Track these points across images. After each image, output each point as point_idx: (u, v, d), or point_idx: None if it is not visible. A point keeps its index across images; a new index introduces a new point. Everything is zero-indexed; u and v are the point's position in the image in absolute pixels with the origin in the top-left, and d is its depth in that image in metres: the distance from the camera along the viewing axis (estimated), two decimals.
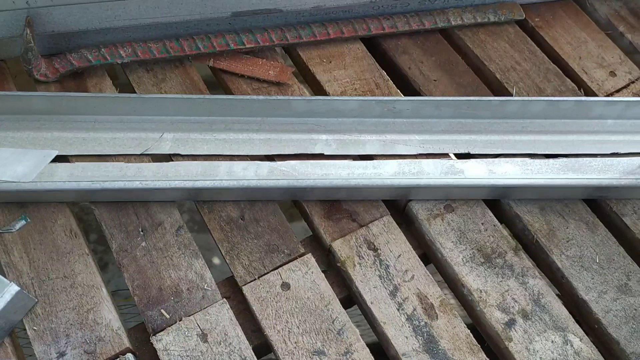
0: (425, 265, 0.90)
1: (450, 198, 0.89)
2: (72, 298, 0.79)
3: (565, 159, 0.91)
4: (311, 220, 0.87)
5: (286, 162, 0.90)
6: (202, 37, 0.96)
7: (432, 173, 0.90)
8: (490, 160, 0.91)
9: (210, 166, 0.88)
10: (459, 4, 1.04)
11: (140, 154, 0.89)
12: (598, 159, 0.91)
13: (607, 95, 1.00)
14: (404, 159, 0.91)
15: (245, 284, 0.81)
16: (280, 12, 0.96)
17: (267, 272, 0.82)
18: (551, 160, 0.91)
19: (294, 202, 0.91)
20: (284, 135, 0.92)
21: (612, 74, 1.02)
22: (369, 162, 0.90)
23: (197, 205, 0.87)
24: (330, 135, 0.92)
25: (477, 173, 0.89)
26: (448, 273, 0.85)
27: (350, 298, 0.85)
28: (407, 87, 1.02)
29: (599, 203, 0.91)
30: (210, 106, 0.91)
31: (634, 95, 1.00)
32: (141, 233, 0.84)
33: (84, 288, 0.79)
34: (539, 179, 0.88)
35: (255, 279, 0.81)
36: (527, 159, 0.91)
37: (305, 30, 0.99)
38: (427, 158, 0.91)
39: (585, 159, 0.91)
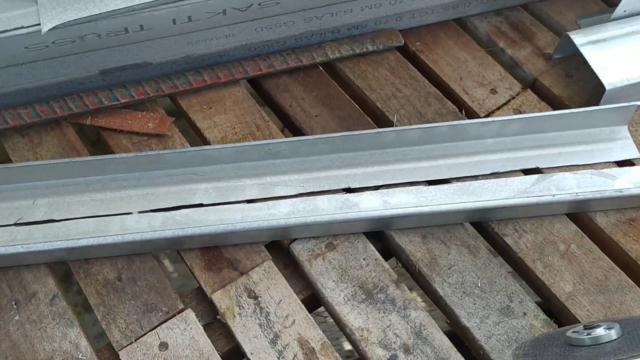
0: (316, 308, 0.89)
1: (343, 233, 0.88)
2: None
3: (458, 183, 0.91)
4: (192, 272, 0.86)
5: (179, 210, 0.89)
6: (74, 97, 0.95)
7: (326, 209, 0.89)
8: (384, 190, 0.91)
9: (103, 222, 0.88)
10: (336, 37, 1.05)
11: (14, 224, 0.87)
12: (491, 180, 0.91)
13: (488, 114, 1.00)
14: (299, 197, 0.91)
15: (121, 349, 0.80)
16: (150, 65, 0.96)
17: (145, 334, 0.81)
18: (445, 186, 0.91)
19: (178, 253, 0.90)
20: (162, 189, 0.91)
21: (493, 91, 1.02)
22: (262, 203, 0.90)
23: (73, 270, 0.85)
24: (209, 183, 0.92)
25: (371, 205, 0.89)
26: (332, 313, 0.84)
27: (237, 350, 0.84)
28: (290, 125, 1.01)
29: (482, 225, 0.91)
30: (84, 168, 0.90)
31: (515, 110, 1.01)
32: (14, 306, 0.82)
33: None
34: (435, 205, 0.87)
35: (132, 342, 0.80)
36: (421, 187, 0.91)
37: (180, 80, 0.99)
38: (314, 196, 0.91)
39: (478, 181, 0.91)
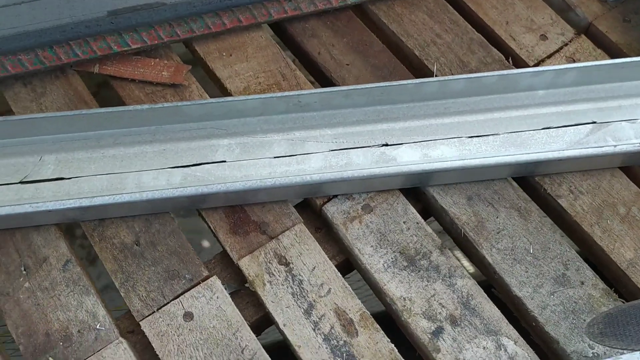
0: (347, 274, 0.82)
1: (379, 190, 0.80)
2: None
3: (505, 135, 0.83)
4: (217, 236, 0.79)
5: (200, 166, 0.81)
6: (80, 43, 0.85)
7: (361, 163, 0.81)
8: (424, 143, 0.83)
9: (117, 178, 0.80)
10: None
11: (19, 182, 0.79)
12: (541, 131, 0.83)
13: (538, 62, 0.91)
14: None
15: (143, 319, 0.73)
16: (164, 5, 0.86)
17: (167, 303, 0.74)
18: (490, 137, 0.83)
19: (200, 216, 0.82)
20: (181, 144, 0.83)
21: (543, 37, 0.93)
22: (291, 157, 0.82)
23: (87, 233, 0.78)
24: (232, 138, 0.83)
25: (411, 158, 0.81)
26: (370, 281, 0.77)
27: (266, 319, 0.77)
28: (318, 75, 0.92)
29: (532, 186, 0.83)
30: (94, 120, 0.81)
31: (568, 59, 0.91)
32: (24, 272, 0.75)
33: None
34: (480, 158, 0.79)
35: (154, 312, 0.73)
36: (464, 138, 0.82)
37: (197, 23, 0.89)
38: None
39: (527, 132, 0.83)
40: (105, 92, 0.91)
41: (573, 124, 0.84)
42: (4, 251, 0.76)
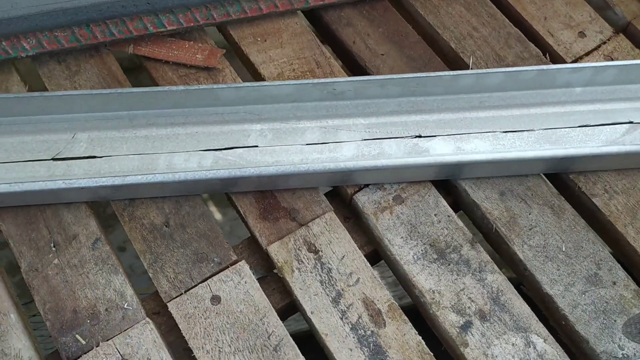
0: (377, 263, 0.82)
1: (411, 181, 0.80)
2: None
3: (540, 131, 0.82)
4: (246, 221, 0.79)
5: (232, 150, 0.81)
6: (116, 21, 0.85)
7: (394, 153, 0.80)
8: (458, 136, 0.82)
9: (149, 159, 0.80)
10: None
11: (51, 159, 0.79)
12: (577, 129, 0.82)
13: (576, 60, 0.89)
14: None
15: (170, 300, 0.73)
16: None
17: (195, 285, 0.74)
18: (525, 133, 0.82)
19: (230, 201, 0.82)
20: (214, 127, 0.82)
21: (582, 34, 0.91)
22: (324, 145, 0.81)
23: (117, 212, 0.78)
24: (265, 124, 0.83)
25: (443, 151, 0.80)
26: (399, 273, 0.77)
27: (292, 306, 0.77)
28: (352, 64, 0.91)
29: (566, 184, 0.82)
30: (128, 100, 0.81)
31: (606, 57, 0.90)
32: (53, 249, 0.75)
33: None
34: (514, 152, 0.79)
35: (181, 294, 0.73)
36: (498, 133, 0.82)
37: (233, 7, 0.88)
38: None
39: (563, 129, 0.82)
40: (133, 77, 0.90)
41: (610, 122, 0.83)
42: (34, 227, 0.76)
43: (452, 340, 0.72)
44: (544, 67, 0.82)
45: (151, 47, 0.88)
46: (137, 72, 0.98)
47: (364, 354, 0.70)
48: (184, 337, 0.72)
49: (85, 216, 0.77)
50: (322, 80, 0.81)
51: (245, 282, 0.74)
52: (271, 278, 0.78)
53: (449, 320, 0.72)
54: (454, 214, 0.79)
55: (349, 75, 0.91)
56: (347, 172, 0.77)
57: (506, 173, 0.80)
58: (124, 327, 0.71)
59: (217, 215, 1.68)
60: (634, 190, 0.79)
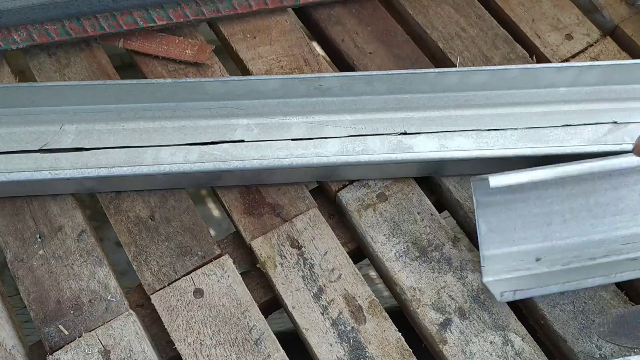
0: (361, 261, 0.83)
1: (394, 177, 0.81)
2: None
3: (523, 130, 0.83)
4: (231, 216, 0.79)
5: (218, 145, 0.81)
6: (106, 15, 0.86)
7: (378, 150, 0.81)
8: (442, 134, 0.82)
9: (136, 152, 0.80)
10: None
11: (38, 150, 0.80)
12: (560, 128, 0.83)
13: (562, 62, 0.90)
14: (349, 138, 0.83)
15: (153, 292, 0.74)
16: None
17: (179, 278, 0.75)
18: (508, 132, 0.83)
19: (215, 196, 0.82)
20: (200, 122, 0.83)
21: (569, 36, 0.92)
22: (309, 141, 0.82)
23: (103, 205, 0.79)
24: (251, 119, 0.83)
25: (427, 147, 0.81)
26: (381, 269, 0.78)
27: (275, 301, 0.78)
28: (341, 62, 0.92)
29: None
30: (116, 92, 0.81)
31: (592, 60, 0.90)
32: (39, 240, 0.76)
33: None
34: (497, 149, 0.80)
35: (164, 287, 0.74)
36: (482, 131, 0.82)
37: (223, 3, 0.89)
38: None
39: (546, 128, 0.83)
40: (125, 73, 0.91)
41: (593, 122, 0.84)
42: (20, 218, 0.77)
43: (431, 337, 0.72)
44: (528, 66, 0.82)
45: (141, 41, 0.89)
46: (129, 70, 0.98)
47: (343, 349, 0.71)
48: (166, 329, 0.72)
49: (72, 208, 0.78)
50: (309, 75, 0.82)
51: (228, 276, 0.75)
52: (254, 273, 0.79)
53: (429, 318, 0.73)
54: (437, 212, 0.79)
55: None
56: (331, 167, 0.78)
57: (488, 171, 0.81)
58: (107, 318, 0.72)
59: (216, 213, 1.68)
60: None
